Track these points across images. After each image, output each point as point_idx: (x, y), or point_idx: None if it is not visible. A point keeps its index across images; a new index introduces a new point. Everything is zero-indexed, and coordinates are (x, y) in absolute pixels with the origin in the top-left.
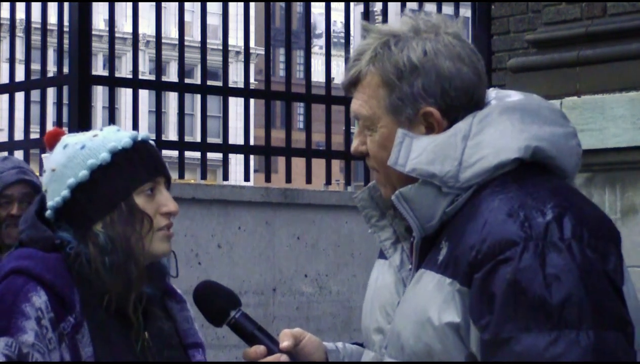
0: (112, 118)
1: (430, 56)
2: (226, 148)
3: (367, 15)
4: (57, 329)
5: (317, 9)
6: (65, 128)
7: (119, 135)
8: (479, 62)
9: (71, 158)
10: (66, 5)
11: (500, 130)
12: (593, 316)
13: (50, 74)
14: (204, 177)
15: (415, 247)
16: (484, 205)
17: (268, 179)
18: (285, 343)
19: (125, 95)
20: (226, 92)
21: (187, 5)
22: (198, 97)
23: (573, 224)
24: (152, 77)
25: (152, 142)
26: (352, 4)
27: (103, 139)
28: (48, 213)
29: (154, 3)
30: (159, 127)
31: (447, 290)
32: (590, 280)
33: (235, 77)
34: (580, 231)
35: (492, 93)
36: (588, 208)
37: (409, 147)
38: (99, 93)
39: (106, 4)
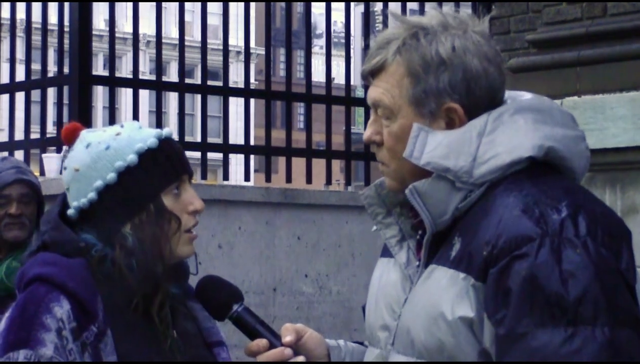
0: (112, 118)
1: (459, 53)
2: (226, 148)
3: (367, 15)
4: (79, 339)
5: (318, 9)
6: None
7: (144, 134)
8: (503, 63)
9: (96, 159)
10: (66, 5)
11: (515, 128)
12: (608, 313)
13: (50, 74)
14: (204, 176)
15: (426, 243)
16: (499, 201)
17: (268, 179)
18: (287, 338)
19: (125, 95)
20: (226, 92)
21: (187, 5)
22: (198, 97)
23: (587, 222)
24: (153, 77)
25: (175, 139)
26: (352, 4)
27: (128, 139)
28: (72, 212)
29: (154, 3)
30: (159, 127)
31: (461, 285)
32: (605, 277)
33: (236, 77)
34: (595, 229)
35: (505, 93)
36: (600, 207)
37: (424, 141)
38: (100, 93)
39: (106, 4)
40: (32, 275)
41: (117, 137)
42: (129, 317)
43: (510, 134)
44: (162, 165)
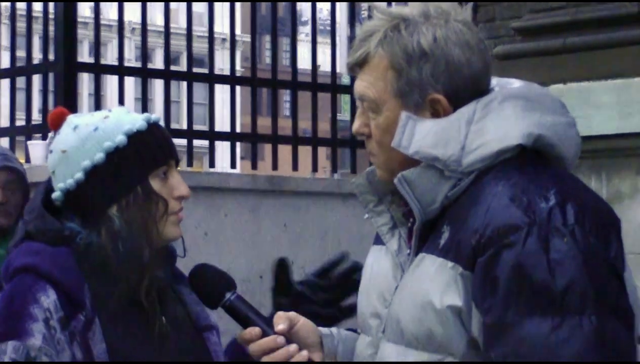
0: (97, 105)
1: (440, 43)
2: (212, 136)
3: (352, 3)
4: (67, 328)
5: None
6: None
7: (132, 117)
8: (486, 50)
9: (84, 141)
10: None
11: (503, 116)
12: (595, 302)
13: (35, 61)
14: (190, 164)
15: (416, 231)
16: (487, 190)
17: (254, 166)
18: (280, 326)
19: (111, 82)
20: (212, 79)
21: None
22: (184, 84)
23: (576, 210)
24: (138, 64)
25: (162, 124)
26: None
27: (116, 121)
28: (57, 195)
29: None
30: None
31: (450, 274)
32: (593, 266)
33: (221, 64)
34: (583, 218)
35: (494, 80)
36: (589, 195)
37: (413, 130)
38: (85, 81)
39: None
40: (17, 265)
41: (106, 120)
42: (117, 304)
43: (498, 122)
44: (150, 147)
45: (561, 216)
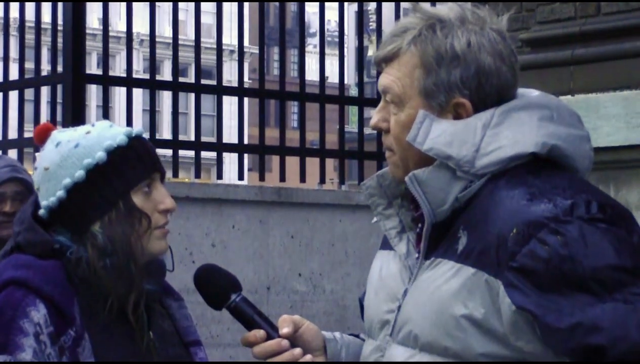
0: (106, 117)
1: (474, 49)
2: (220, 147)
3: (360, 14)
4: (56, 343)
5: (311, 8)
6: (58, 126)
7: (113, 132)
8: (517, 63)
9: (65, 158)
10: (60, 4)
11: (520, 124)
12: (635, 278)
13: (44, 73)
14: (198, 175)
15: (425, 233)
16: (504, 194)
17: (262, 178)
18: (285, 330)
19: (119, 93)
20: (220, 90)
21: (181, 4)
22: (192, 95)
23: (597, 202)
24: (146, 76)
25: (145, 137)
26: (346, 3)
27: (97, 137)
28: (42, 212)
29: (147, 2)
30: (153, 126)
31: (471, 280)
32: (624, 248)
33: (229, 75)
34: (604, 209)
35: (516, 91)
36: (603, 193)
37: (429, 128)
38: (93, 92)
39: (100, 3)
40: (6, 278)
41: (87, 136)
42: (105, 319)
43: (515, 129)
44: (131, 162)
45: (584, 207)
